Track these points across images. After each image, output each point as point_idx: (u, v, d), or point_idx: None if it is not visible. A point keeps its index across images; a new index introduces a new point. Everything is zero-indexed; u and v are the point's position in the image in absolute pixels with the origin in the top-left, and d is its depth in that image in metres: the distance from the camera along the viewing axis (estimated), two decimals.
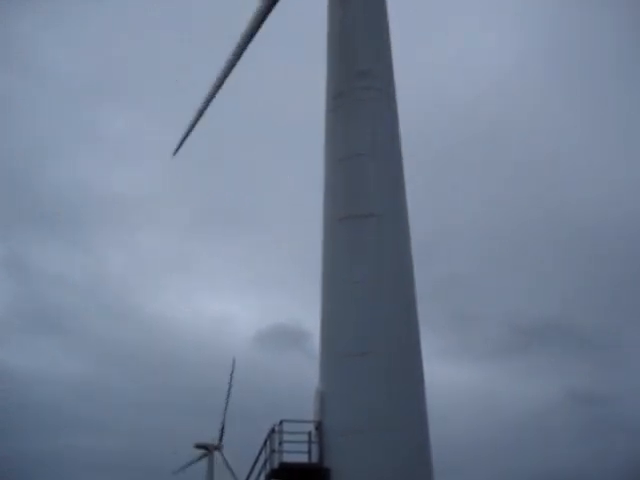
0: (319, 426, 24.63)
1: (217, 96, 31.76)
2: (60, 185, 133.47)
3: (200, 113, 32.32)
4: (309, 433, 24.76)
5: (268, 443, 24.94)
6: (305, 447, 24.58)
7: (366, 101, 28.05)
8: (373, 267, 25.92)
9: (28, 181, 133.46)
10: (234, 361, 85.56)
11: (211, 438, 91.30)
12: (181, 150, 33.26)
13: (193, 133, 32.70)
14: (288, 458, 24.43)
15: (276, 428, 24.83)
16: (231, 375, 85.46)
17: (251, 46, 31.04)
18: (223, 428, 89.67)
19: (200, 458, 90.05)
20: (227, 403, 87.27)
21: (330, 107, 28.86)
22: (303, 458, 24.49)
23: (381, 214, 26.62)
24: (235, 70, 31.30)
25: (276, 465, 24.38)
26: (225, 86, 31.43)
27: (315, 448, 24.39)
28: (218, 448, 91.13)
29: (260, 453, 25.22)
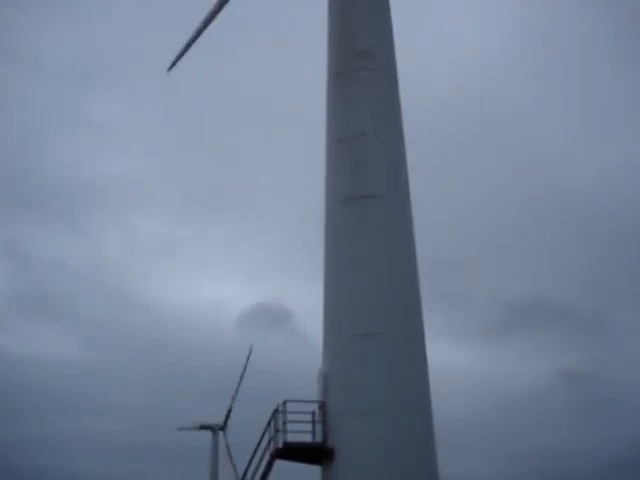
0: (323, 406, 24.80)
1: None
2: (55, 170, 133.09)
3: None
4: (313, 413, 24.94)
5: (272, 423, 25.14)
6: (309, 427, 24.77)
7: (367, 81, 27.93)
8: (376, 248, 25.94)
9: (23, 167, 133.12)
10: (251, 348, 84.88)
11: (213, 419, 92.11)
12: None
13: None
14: (292, 438, 24.64)
15: (280, 408, 25.02)
16: (247, 361, 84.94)
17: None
18: (230, 412, 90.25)
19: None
20: (238, 389, 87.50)
21: (331, 87, 28.72)
22: (307, 438, 24.70)
23: (383, 195, 26.61)
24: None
25: (280, 445, 24.59)
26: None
27: (319, 428, 24.58)
28: (223, 429, 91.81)
29: (264, 433, 25.40)
